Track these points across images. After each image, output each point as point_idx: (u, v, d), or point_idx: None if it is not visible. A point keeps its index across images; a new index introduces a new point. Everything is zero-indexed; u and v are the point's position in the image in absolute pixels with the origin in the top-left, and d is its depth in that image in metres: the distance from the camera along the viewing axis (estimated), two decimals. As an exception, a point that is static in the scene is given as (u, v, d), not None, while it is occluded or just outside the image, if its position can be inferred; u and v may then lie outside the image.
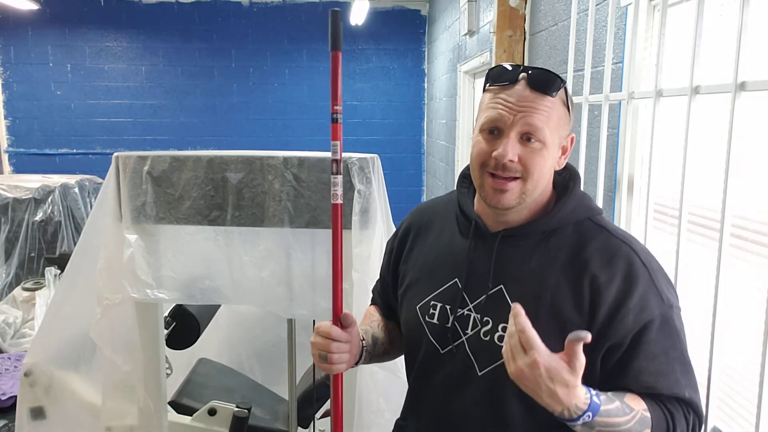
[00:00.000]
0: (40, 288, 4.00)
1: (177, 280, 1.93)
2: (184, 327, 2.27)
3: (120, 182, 1.87)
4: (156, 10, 6.27)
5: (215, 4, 6.31)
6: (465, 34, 4.12)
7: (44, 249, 4.40)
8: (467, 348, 1.09)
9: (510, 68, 1.04)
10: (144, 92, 6.41)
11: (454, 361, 1.10)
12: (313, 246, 1.89)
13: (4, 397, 3.21)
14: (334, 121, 1.14)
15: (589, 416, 0.91)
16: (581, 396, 0.90)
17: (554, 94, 1.02)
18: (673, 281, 1.42)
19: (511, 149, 1.00)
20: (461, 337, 1.09)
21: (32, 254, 4.38)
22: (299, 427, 2.27)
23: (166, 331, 2.17)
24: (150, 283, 1.88)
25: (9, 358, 3.56)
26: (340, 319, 1.14)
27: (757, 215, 1.37)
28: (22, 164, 6.43)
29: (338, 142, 1.14)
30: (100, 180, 4.94)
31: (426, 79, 6.61)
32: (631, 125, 1.82)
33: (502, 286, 1.06)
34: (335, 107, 1.14)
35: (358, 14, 5.69)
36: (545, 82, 1.01)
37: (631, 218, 1.87)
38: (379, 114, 6.64)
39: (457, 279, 1.11)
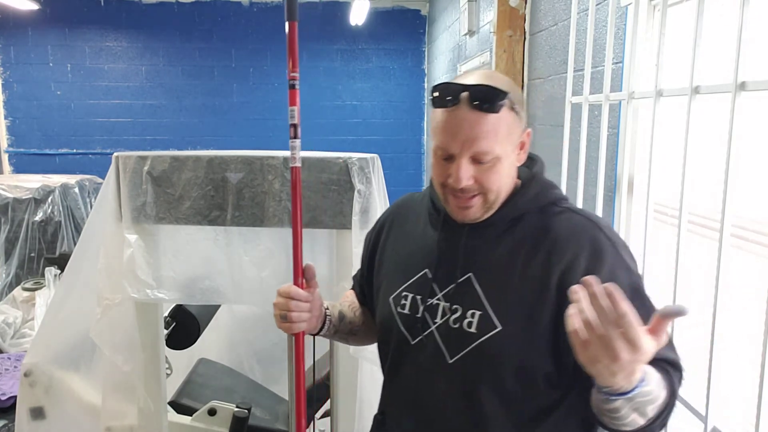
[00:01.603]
0: (40, 288, 4.00)
1: (177, 280, 1.93)
2: (184, 327, 2.27)
3: (120, 182, 1.87)
4: (156, 10, 6.26)
5: (215, 4, 6.30)
6: (465, 34, 4.12)
7: (44, 249, 4.40)
8: (437, 337, 1.09)
9: (451, 87, 1.00)
10: (144, 92, 6.40)
11: (425, 351, 1.11)
12: (313, 246, 1.89)
13: (4, 397, 3.20)
14: (292, 87, 1.16)
15: (641, 384, 0.85)
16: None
17: (497, 110, 0.99)
18: (673, 281, 1.42)
19: (463, 175, 1.00)
20: (431, 327, 1.10)
21: (32, 254, 4.38)
22: (299, 427, 2.27)
23: (166, 331, 2.17)
24: (150, 283, 1.89)
25: (9, 358, 3.56)
26: (304, 269, 1.18)
27: (757, 215, 1.37)
28: (22, 164, 6.43)
29: (296, 108, 1.18)
30: (100, 180, 4.94)
31: (426, 79, 6.61)
32: (631, 125, 1.82)
33: (471, 274, 1.07)
34: (292, 74, 1.16)
35: (358, 14, 5.68)
36: (485, 100, 0.98)
37: (631, 218, 1.87)
38: (379, 114, 6.64)
39: (427, 270, 1.13)
